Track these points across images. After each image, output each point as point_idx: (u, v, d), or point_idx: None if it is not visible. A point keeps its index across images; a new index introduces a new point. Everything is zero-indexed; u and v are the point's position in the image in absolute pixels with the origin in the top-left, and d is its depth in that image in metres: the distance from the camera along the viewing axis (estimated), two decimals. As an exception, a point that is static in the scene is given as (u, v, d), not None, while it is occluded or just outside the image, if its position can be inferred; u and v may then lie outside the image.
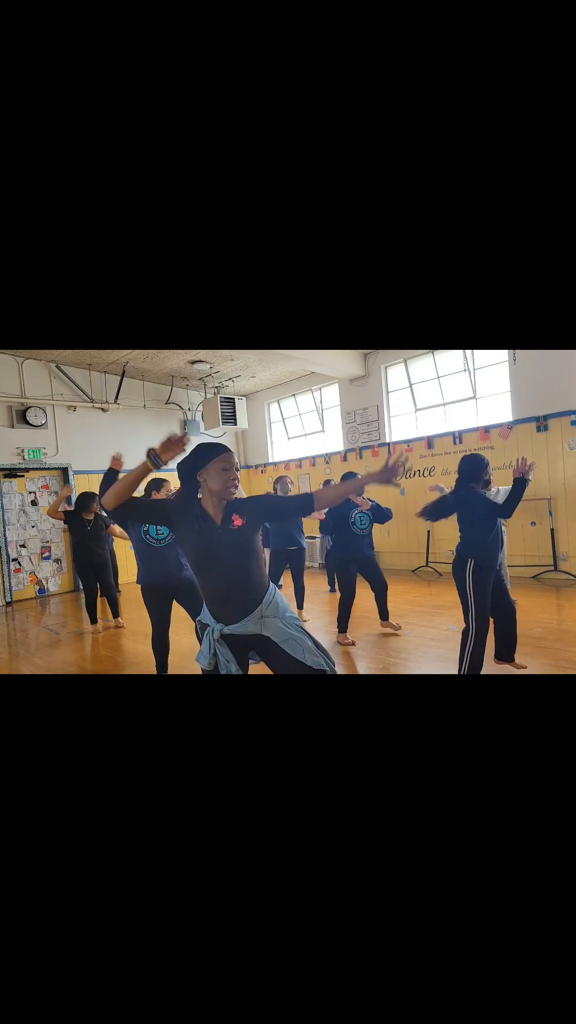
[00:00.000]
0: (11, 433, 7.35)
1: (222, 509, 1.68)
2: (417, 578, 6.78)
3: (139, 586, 3.42)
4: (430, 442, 7.13)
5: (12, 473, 7.46)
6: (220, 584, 1.66)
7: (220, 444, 1.70)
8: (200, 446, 1.71)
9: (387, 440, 7.72)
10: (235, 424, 8.66)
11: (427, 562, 7.09)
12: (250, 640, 1.68)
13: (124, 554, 7.31)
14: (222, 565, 1.64)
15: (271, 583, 1.78)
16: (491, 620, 3.01)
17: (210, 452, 1.66)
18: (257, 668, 1.80)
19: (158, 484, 3.35)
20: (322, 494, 1.76)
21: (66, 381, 7.82)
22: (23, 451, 7.43)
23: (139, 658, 4.24)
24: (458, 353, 6.75)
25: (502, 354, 6.41)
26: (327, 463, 8.52)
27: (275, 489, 5.11)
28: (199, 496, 1.70)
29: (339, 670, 3.60)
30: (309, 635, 1.71)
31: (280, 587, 5.02)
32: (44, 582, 7.76)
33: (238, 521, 1.64)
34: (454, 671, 3.39)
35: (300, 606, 5.02)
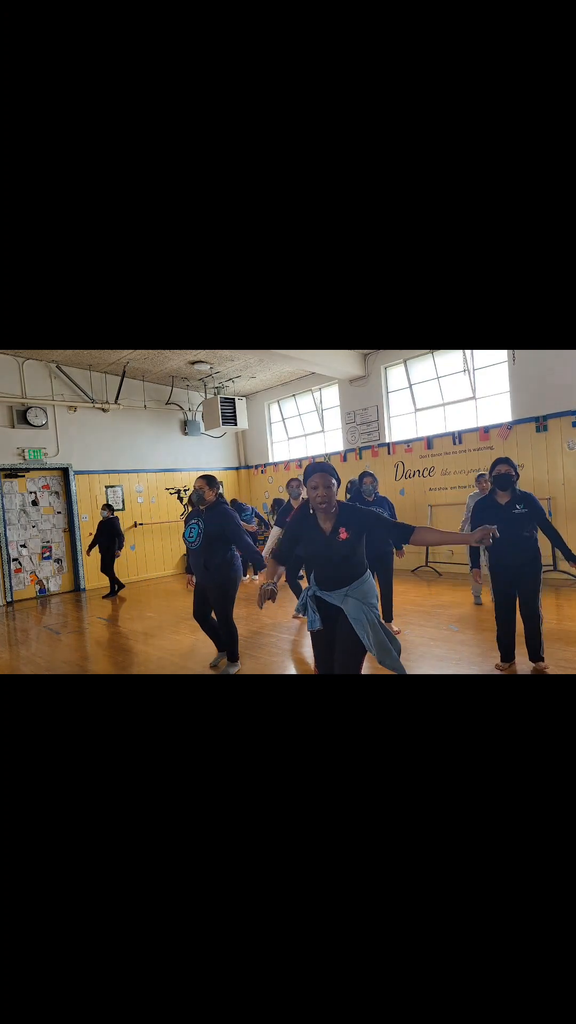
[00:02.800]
0: (12, 433, 7.36)
1: (332, 520, 2.12)
2: (417, 578, 6.78)
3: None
4: (430, 442, 7.13)
5: (13, 473, 7.47)
6: (323, 571, 2.16)
7: (313, 465, 2.11)
8: (307, 467, 2.14)
9: (387, 440, 7.72)
10: (235, 424, 8.67)
11: (427, 562, 7.09)
12: (332, 608, 2.17)
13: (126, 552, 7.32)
14: (326, 562, 2.13)
15: (367, 571, 2.19)
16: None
17: (305, 474, 2.12)
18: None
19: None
20: (423, 535, 2.06)
21: (67, 381, 7.83)
22: (24, 451, 7.44)
23: (139, 658, 4.24)
24: (458, 353, 6.75)
25: (502, 354, 6.41)
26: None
27: (288, 488, 5.06)
28: (311, 511, 2.15)
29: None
30: (384, 630, 2.12)
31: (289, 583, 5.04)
32: (44, 582, 7.77)
33: (344, 535, 2.08)
34: (454, 671, 3.38)
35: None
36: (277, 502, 7.01)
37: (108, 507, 7.15)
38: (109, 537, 7.07)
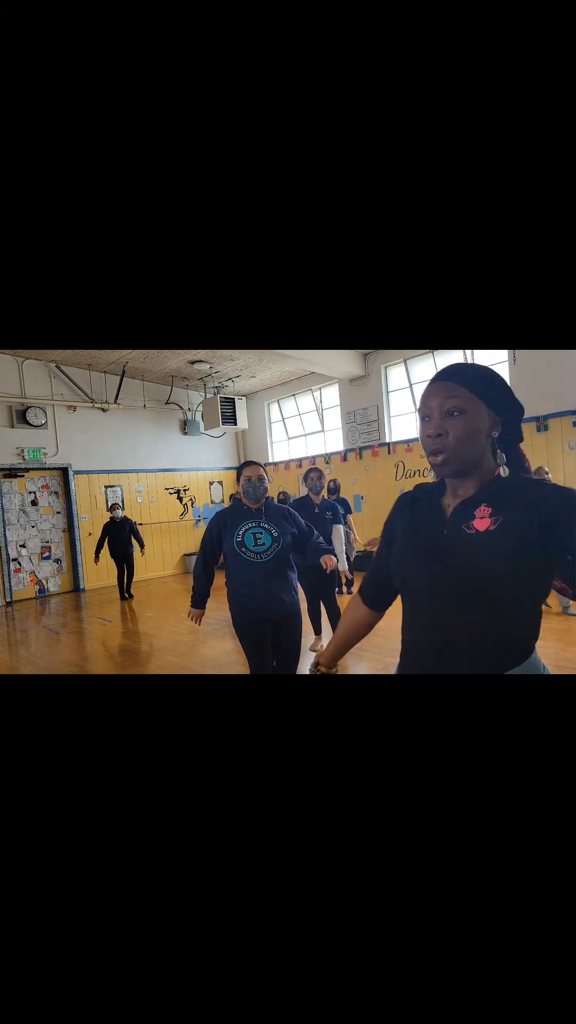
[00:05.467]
0: (11, 433, 7.36)
1: (459, 495, 0.95)
2: (417, 578, 6.76)
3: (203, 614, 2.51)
4: (430, 442, 7.12)
5: (12, 473, 7.47)
6: (446, 624, 0.92)
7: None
8: None
9: (387, 440, 7.72)
10: (235, 424, 8.67)
11: (427, 562, 7.08)
12: None
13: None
14: (443, 591, 0.91)
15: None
16: None
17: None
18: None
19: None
20: None
21: (66, 381, 7.83)
22: (23, 451, 7.43)
23: (139, 658, 4.24)
24: (458, 353, 6.75)
25: (502, 354, 6.41)
26: (327, 463, 8.53)
27: (306, 481, 4.06)
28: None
29: (340, 669, 3.58)
30: None
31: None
32: (44, 582, 7.76)
33: (485, 521, 0.88)
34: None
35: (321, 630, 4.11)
36: (285, 496, 6.60)
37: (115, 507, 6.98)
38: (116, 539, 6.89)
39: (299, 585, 2.52)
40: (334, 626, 3.86)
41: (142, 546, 6.96)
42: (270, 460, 9.66)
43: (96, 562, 6.94)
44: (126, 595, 7.02)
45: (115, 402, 8.21)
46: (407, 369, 7.45)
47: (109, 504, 7.53)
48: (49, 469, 7.79)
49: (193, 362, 7.81)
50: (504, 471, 0.93)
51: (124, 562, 6.96)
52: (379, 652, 3.84)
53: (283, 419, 9.53)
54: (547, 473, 4.74)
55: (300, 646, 2.42)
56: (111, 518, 6.91)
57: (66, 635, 5.22)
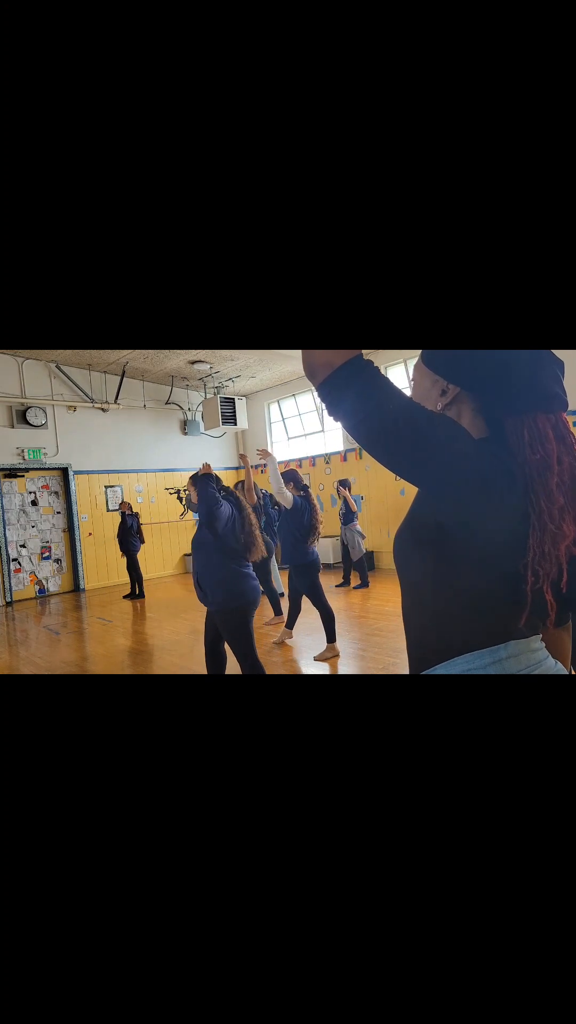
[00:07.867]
0: (11, 433, 7.36)
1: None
2: (417, 578, 6.76)
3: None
4: (430, 442, 7.12)
5: (12, 473, 7.47)
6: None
7: None
8: None
9: (387, 440, 7.72)
10: (235, 424, 8.67)
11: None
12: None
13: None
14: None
15: None
16: None
17: None
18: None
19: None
20: None
21: (66, 381, 7.82)
22: (23, 451, 7.43)
23: (139, 658, 4.24)
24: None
25: (502, 354, 6.40)
26: (327, 463, 8.53)
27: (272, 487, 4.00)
28: None
29: (340, 669, 3.60)
30: None
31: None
32: (44, 582, 7.76)
33: None
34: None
35: (291, 625, 4.31)
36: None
37: (125, 504, 7.03)
38: (123, 536, 6.92)
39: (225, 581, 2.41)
40: (327, 629, 3.87)
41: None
42: (270, 460, 9.65)
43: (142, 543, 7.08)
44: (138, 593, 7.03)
45: (115, 402, 8.21)
46: (407, 369, 7.45)
47: (120, 502, 7.51)
48: (49, 469, 7.78)
49: (193, 362, 7.81)
50: None
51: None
52: (379, 652, 3.83)
53: (283, 419, 9.53)
54: None
55: (228, 634, 2.37)
56: (130, 512, 6.95)
57: (66, 635, 5.22)
